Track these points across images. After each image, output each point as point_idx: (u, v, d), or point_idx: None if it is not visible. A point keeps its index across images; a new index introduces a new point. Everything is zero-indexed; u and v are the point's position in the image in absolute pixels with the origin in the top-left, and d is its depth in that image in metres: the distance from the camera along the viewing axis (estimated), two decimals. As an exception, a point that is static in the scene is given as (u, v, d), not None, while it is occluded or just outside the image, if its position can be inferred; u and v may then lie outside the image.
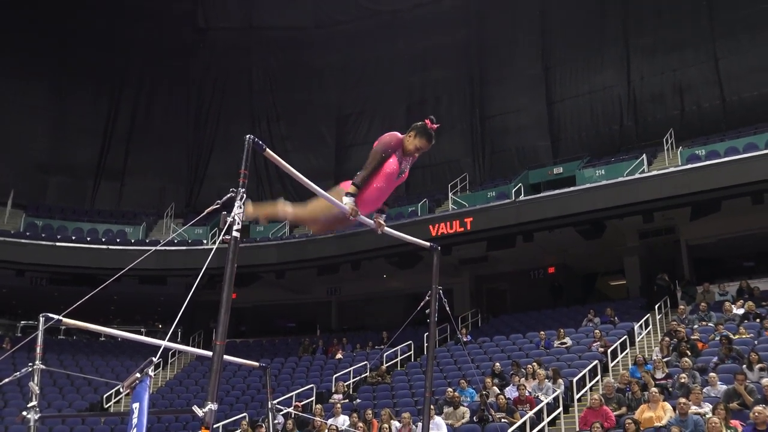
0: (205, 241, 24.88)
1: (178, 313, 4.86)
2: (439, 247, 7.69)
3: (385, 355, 19.94)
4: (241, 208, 4.40)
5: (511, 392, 14.39)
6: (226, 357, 5.18)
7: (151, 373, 4.30)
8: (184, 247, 23.79)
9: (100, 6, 28.83)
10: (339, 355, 21.55)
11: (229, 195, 4.55)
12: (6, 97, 27.74)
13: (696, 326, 16.34)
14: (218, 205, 4.99)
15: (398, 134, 5.54)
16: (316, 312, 28.29)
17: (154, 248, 8.05)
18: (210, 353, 4.28)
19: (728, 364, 13.41)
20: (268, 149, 4.74)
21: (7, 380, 6.88)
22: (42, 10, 28.16)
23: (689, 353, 14.23)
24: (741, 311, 16.50)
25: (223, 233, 4.39)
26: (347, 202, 5.35)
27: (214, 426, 15.83)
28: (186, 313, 5.04)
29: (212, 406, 3.93)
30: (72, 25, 28.62)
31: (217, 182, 28.06)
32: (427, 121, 5.60)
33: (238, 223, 4.36)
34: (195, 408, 3.99)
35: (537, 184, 23.61)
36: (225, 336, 4.14)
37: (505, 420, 13.02)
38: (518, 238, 21.09)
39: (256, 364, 8.62)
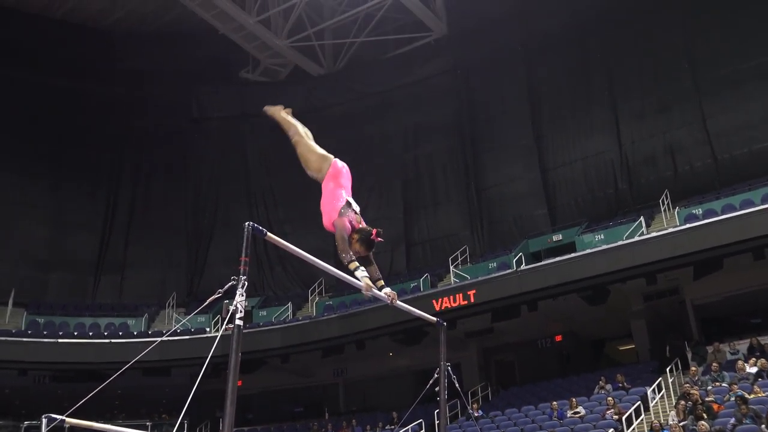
0: (207, 329, 24.68)
1: (183, 403, 4.79)
2: (445, 323, 7.64)
3: (396, 435, 19.56)
4: (243, 296, 4.41)
5: (527, 467, 14.06)
6: (234, 449, 5.08)
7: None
8: (187, 337, 23.58)
9: (91, 101, 29.33)
10: (349, 439, 21.13)
11: (230, 283, 4.56)
12: (3, 196, 27.92)
13: (710, 387, 16.09)
14: (220, 294, 5.00)
15: (348, 226, 5.79)
16: (323, 395, 27.84)
17: (158, 339, 8.01)
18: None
19: (746, 424, 13.15)
20: (269, 233, 4.77)
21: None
22: (35, 107, 28.67)
23: (705, 416, 13.97)
24: (754, 369, 16.27)
25: (226, 322, 4.37)
26: (363, 279, 5.60)
27: None
28: (191, 403, 4.96)
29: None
30: (65, 122, 29.04)
31: (217, 269, 28.02)
32: (374, 231, 5.83)
33: (241, 312, 4.36)
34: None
35: (537, 252, 23.58)
36: (232, 428, 4.08)
37: (523, 496, 12.68)
38: (522, 307, 20.97)
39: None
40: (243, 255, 4.52)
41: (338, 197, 5.91)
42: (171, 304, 27.45)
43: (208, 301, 5.24)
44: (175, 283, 29.18)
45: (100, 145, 29.57)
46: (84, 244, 29.05)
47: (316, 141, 6.72)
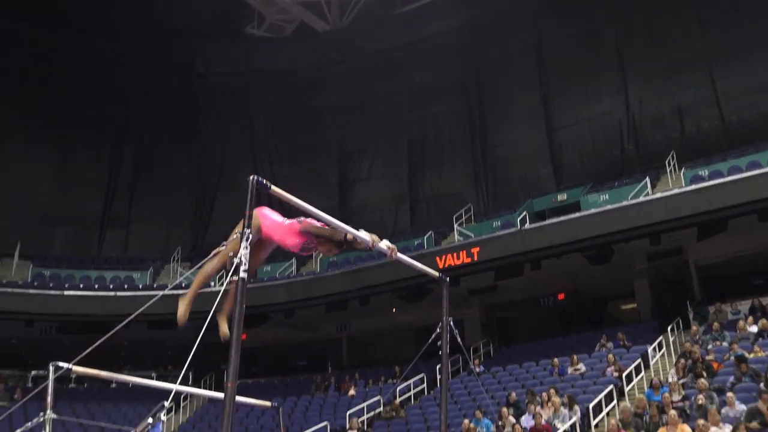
0: (212, 284, 24.81)
1: (188, 356, 4.83)
2: (448, 278, 7.68)
3: (398, 389, 19.80)
4: (247, 248, 4.42)
5: (527, 421, 14.25)
6: (238, 398, 5.16)
7: (163, 418, 4.28)
8: (191, 291, 23.74)
9: (97, 57, 29.12)
10: (352, 392, 21.40)
11: (234, 236, 4.57)
12: (9, 150, 27.99)
13: (710, 346, 16.21)
14: (224, 247, 5.01)
15: (316, 222, 5.41)
16: (326, 349, 28.16)
17: (161, 293, 8.09)
18: (222, 395, 4.26)
19: (745, 383, 13.28)
20: (273, 187, 4.76)
21: (19, 431, 6.86)
22: (40, 62, 28.50)
23: (705, 374, 14.10)
24: (755, 329, 16.36)
25: (230, 275, 4.40)
26: (368, 235, 5.41)
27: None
28: (196, 355, 5.02)
29: (226, 448, 3.91)
30: (70, 77, 28.89)
31: (222, 225, 28.00)
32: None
33: (245, 264, 4.37)
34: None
35: (542, 211, 23.59)
36: (236, 377, 4.13)
37: (523, 450, 12.87)
38: (526, 266, 21.03)
39: (269, 404, 8.56)
40: (247, 209, 4.52)
41: (280, 219, 5.44)
42: (176, 258, 27.60)
43: (212, 254, 5.27)
44: (179, 238, 29.33)
45: (105, 100, 29.43)
46: (89, 199, 29.16)
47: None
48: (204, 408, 23.06)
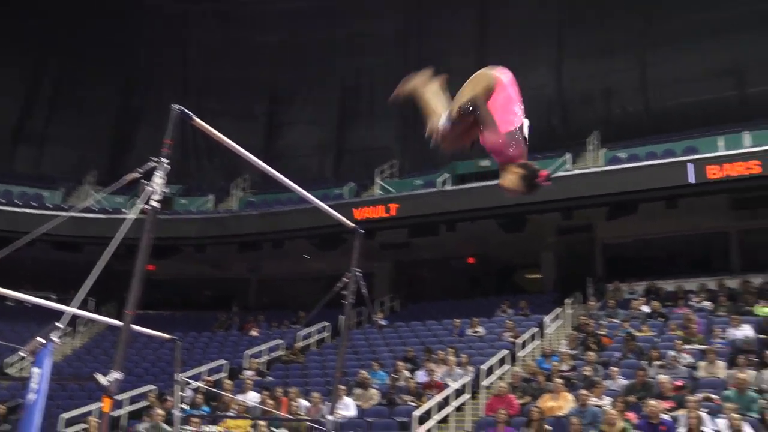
0: (125, 211, 24.34)
1: (91, 280, 4.80)
2: (363, 231, 7.79)
3: (301, 335, 19.98)
4: (162, 178, 4.37)
5: (421, 377, 14.66)
6: (137, 328, 5.16)
7: (55, 339, 4.22)
8: (103, 216, 23.23)
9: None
10: (254, 332, 21.49)
11: (151, 164, 4.52)
12: None
13: (603, 322, 16.93)
14: (140, 175, 4.94)
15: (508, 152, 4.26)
16: (235, 288, 28.06)
17: (69, 214, 7.92)
18: (120, 323, 4.25)
19: (630, 359, 13.99)
20: (196, 118, 4.71)
21: None
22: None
23: (595, 347, 14.76)
24: (647, 309, 17.19)
25: (142, 203, 4.36)
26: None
27: (121, 397, 15.60)
28: (101, 283, 4.98)
29: (117, 375, 3.85)
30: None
31: (143, 153, 27.16)
32: (543, 173, 4.18)
33: (158, 193, 4.34)
34: (98, 376, 3.92)
35: (464, 175, 23.90)
36: (136, 305, 4.13)
37: (413, 403, 13.25)
38: (441, 227, 21.33)
39: (167, 336, 8.51)
40: (167, 137, 4.46)
41: (512, 112, 4.42)
42: (90, 181, 26.85)
43: (125, 179, 5.18)
44: (97, 161, 28.53)
45: (29, 13, 28.00)
46: (4, 111, 28.00)
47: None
48: (102, 335, 22.80)
